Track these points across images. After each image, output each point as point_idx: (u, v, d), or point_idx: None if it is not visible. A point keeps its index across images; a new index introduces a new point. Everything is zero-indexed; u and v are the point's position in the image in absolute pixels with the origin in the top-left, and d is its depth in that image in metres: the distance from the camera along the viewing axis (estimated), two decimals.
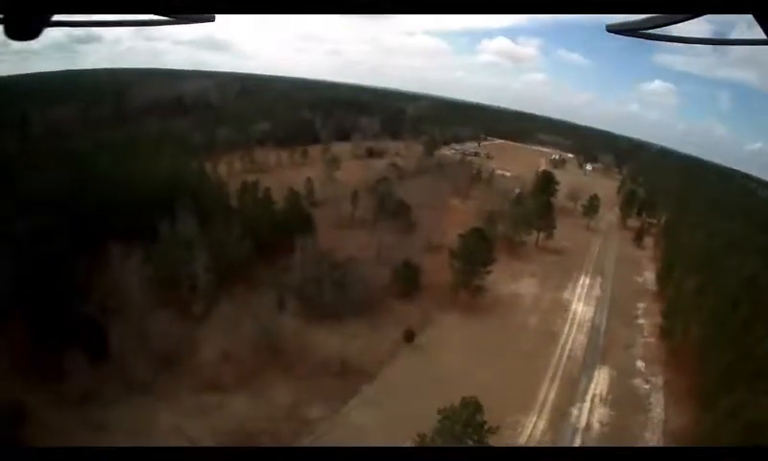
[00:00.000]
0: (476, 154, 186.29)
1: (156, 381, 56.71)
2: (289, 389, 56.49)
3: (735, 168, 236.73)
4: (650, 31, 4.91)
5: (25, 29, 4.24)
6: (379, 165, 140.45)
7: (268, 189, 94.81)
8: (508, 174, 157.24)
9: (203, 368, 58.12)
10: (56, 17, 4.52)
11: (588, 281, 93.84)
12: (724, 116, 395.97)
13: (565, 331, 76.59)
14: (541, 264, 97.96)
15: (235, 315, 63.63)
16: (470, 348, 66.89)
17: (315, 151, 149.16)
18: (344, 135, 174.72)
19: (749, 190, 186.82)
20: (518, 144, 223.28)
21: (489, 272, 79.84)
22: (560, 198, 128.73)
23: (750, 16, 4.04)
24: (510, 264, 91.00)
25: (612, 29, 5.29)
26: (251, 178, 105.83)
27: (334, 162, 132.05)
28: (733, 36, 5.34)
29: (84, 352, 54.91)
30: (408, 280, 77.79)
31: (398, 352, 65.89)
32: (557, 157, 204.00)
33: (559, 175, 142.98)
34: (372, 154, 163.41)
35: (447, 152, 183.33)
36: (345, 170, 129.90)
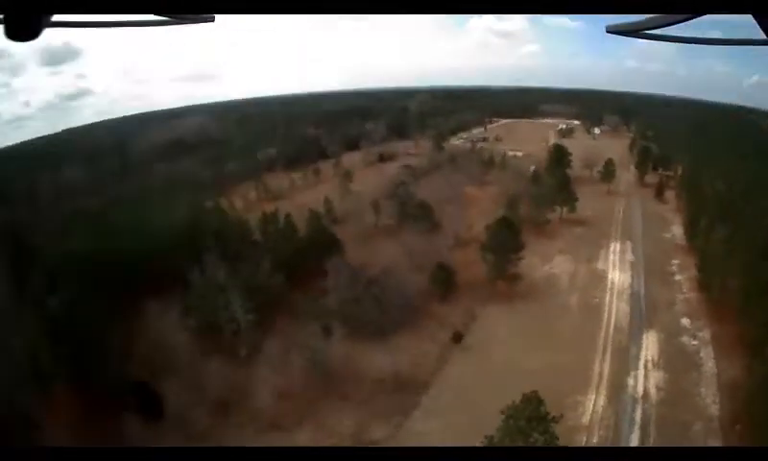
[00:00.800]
0: (485, 139, 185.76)
1: (216, 430, 56.88)
2: (349, 415, 56.22)
3: (740, 104, 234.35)
4: (650, 31, 5.00)
5: (25, 29, 4.36)
6: (393, 168, 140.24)
7: (289, 216, 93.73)
8: (520, 153, 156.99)
9: (260, 409, 58.16)
10: (56, 17, 4.67)
11: (618, 247, 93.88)
12: (721, 53, 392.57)
13: (607, 302, 76.55)
14: (570, 239, 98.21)
15: (282, 350, 64.17)
16: (518, 337, 66.88)
17: (326, 166, 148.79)
18: (352, 145, 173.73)
19: (756, 126, 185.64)
20: (524, 120, 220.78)
21: (521, 258, 79.86)
22: (575, 168, 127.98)
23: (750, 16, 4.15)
24: (539, 245, 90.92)
25: (612, 29, 5.40)
26: (269, 207, 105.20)
27: (348, 175, 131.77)
28: (733, 36, 5.58)
29: (139, 416, 55.43)
30: (444, 282, 77.24)
31: (449, 356, 65.62)
32: (564, 126, 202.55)
33: (569, 144, 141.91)
34: (383, 158, 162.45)
35: (456, 142, 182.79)
36: (360, 180, 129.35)
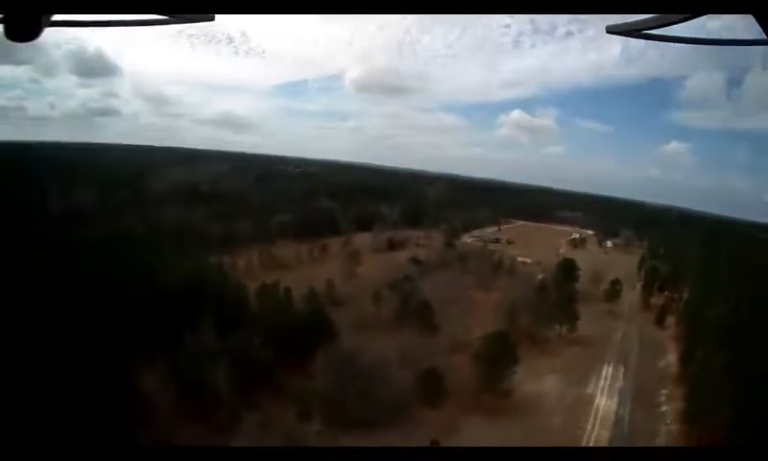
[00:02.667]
0: (497, 240, 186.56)
1: None
2: None
3: (757, 221, 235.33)
4: (650, 31, 5.16)
5: (25, 29, 4.54)
6: (401, 258, 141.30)
7: (289, 290, 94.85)
8: (529, 260, 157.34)
9: None
10: (55, 17, 4.81)
11: (611, 372, 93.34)
12: (743, 168, 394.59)
13: (589, 429, 75.85)
14: (565, 358, 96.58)
15: (258, 426, 63.96)
16: None
17: (335, 244, 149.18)
18: (364, 224, 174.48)
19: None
20: (539, 225, 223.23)
21: (513, 373, 79.82)
22: (582, 281, 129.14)
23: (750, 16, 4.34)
24: (533, 360, 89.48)
25: (613, 29, 5.56)
26: (270, 276, 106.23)
27: (355, 257, 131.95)
28: (733, 36, 5.56)
29: None
30: (432, 387, 76.08)
31: None
32: (577, 236, 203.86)
33: (580, 256, 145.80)
34: (393, 245, 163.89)
35: (468, 239, 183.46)
36: (366, 264, 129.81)
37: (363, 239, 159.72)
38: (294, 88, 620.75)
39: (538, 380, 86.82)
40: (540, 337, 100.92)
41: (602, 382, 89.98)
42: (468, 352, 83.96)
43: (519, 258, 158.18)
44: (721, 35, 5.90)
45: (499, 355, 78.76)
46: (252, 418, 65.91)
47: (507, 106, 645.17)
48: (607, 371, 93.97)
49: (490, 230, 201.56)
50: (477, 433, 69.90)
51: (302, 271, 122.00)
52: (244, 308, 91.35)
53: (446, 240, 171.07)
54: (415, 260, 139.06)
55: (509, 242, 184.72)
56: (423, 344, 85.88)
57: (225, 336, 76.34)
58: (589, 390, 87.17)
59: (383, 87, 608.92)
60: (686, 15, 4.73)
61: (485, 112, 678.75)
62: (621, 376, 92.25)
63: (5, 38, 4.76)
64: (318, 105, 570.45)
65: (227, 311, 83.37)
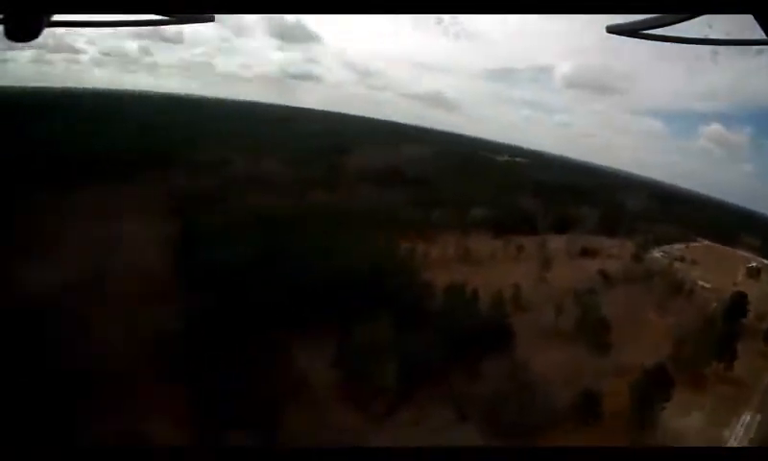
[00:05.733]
0: (682, 259, 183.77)
1: None
2: None
3: None
4: (650, 31, 5.52)
5: (25, 29, 4.87)
6: (590, 268, 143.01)
7: (476, 292, 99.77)
8: (708, 285, 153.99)
9: None
10: (56, 17, 5.18)
11: (747, 419, 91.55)
12: None
13: None
14: (712, 396, 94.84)
15: (413, 422, 69.75)
16: None
17: (530, 244, 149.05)
18: (562, 225, 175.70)
19: None
20: (723, 247, 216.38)
21: (663, 408, 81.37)
22: (749, 316, 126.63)
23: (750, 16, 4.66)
24: (684, 394, 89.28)
25: (613, 29, 5.94)
26: (461, 270, 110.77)
27: (546, 263, 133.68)
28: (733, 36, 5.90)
29: (251, 434, 60.65)
30: (588, 410, 78.62)
31: None
32: (754, 265, 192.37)
33: (752, 287, 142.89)
34: (585, 252, 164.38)
35: (657, 254, 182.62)
36: (556, 271, 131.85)
37: (558, 242, 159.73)
38: (503, 75, 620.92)
39: (683, 416, 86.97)
40: (697, 371, 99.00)
41: (737, 428, 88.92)
42: (630, 378, 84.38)
43: (700, 282, 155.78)
44: (721, 34, 6.74)
45: (654, 392, 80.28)
46: (408, 412, 71.29)
47: (705, 118, 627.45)
48: (744, 418, 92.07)
49: (678, 247, 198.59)
50: None
51: (494, 269, 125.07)
52: (427, 304, 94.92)
53: (636, 253, 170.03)
54: (602, 273, 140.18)
55: (693, 262, 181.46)
56: (593, 363, 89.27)
57: (401, 330, 79.74)
58: (726, 434, 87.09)
59: (592, 85, 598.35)
60: (686, 15, 5.11)
61: (683, 122, 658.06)
62: (757, 424, 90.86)
63: None
64: (527, 94, 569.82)
65: (407, 305, 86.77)
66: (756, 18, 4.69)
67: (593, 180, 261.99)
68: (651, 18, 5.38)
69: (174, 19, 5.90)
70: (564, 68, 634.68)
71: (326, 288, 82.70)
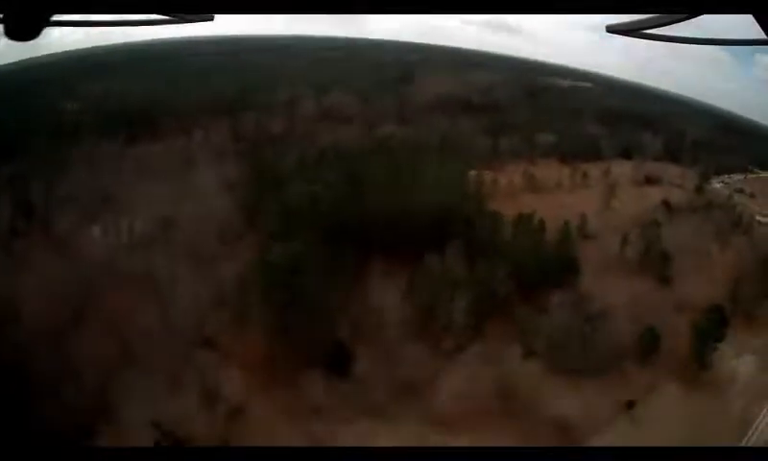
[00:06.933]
0: (742, 190, 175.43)
1: (389, 409, 61.43)
2: (510, 438, 58.01)
3: None
4: (650, 31, 5.77)
5: (25, 29, 4.87)
6: (654, 197, 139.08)
7: (542, 222, 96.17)
8: (765, 220, 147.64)
9: (435, 403, 62.90)
10: (55, 17, 5.20)
11: None
12: None
13: (759, 421, 72.55)
14: (766, 340, 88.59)
15: (482, 356, 69.16)
16: (681, 427, 62.47)
17: (595, 170, 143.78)
18: (626, 153, 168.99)
19: None
20: None
21: (716, 349, 78.48)
22: None
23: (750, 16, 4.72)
24: (738, 335, 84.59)
25: (613, 29, 6.28)
26: (529, 199, 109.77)
27: (612, 190, 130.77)
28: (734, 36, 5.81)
29: (325, 371, 63.05)
30: (648, 346, 77.51)
31: (616, 420, 66.70)
32: None
33: None
34: (648, 180, 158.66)
35: (717, 184, 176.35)
36: (621, 198, 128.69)
37: (623, 167, 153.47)
38: None
39: (736, 358, 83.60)
40: (752, 312, 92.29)
41: None
42: (690, 315, 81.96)
43: (758, 217, 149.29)
44: (721, 34, 6.99)
45: (710, 332, 78.01)
46: (475, 348, 70.73)
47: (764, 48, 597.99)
48: None
49: (737, 178, 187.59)
50: (667, 402, 71.07)
51: (561, 196, 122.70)
52: (496, 237, 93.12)
53: (698, 182, 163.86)
54: (665, 204, 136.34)
55: (751, 195, 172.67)
56: (655, 297, 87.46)
57: (471, 262, 79.78)
58: None
59: None
60: (686, 15, 5.32)
61: (743, 50, 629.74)
62: None
63: None
64: (592, 18, 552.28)
65: (478, 238, 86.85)
66: (755, 18, 5.11)
67: (657, 106, 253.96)
68: (650, 18, 5.82)
69: (174, 19, 6.16)
70: None
71: (399, 220, 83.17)
